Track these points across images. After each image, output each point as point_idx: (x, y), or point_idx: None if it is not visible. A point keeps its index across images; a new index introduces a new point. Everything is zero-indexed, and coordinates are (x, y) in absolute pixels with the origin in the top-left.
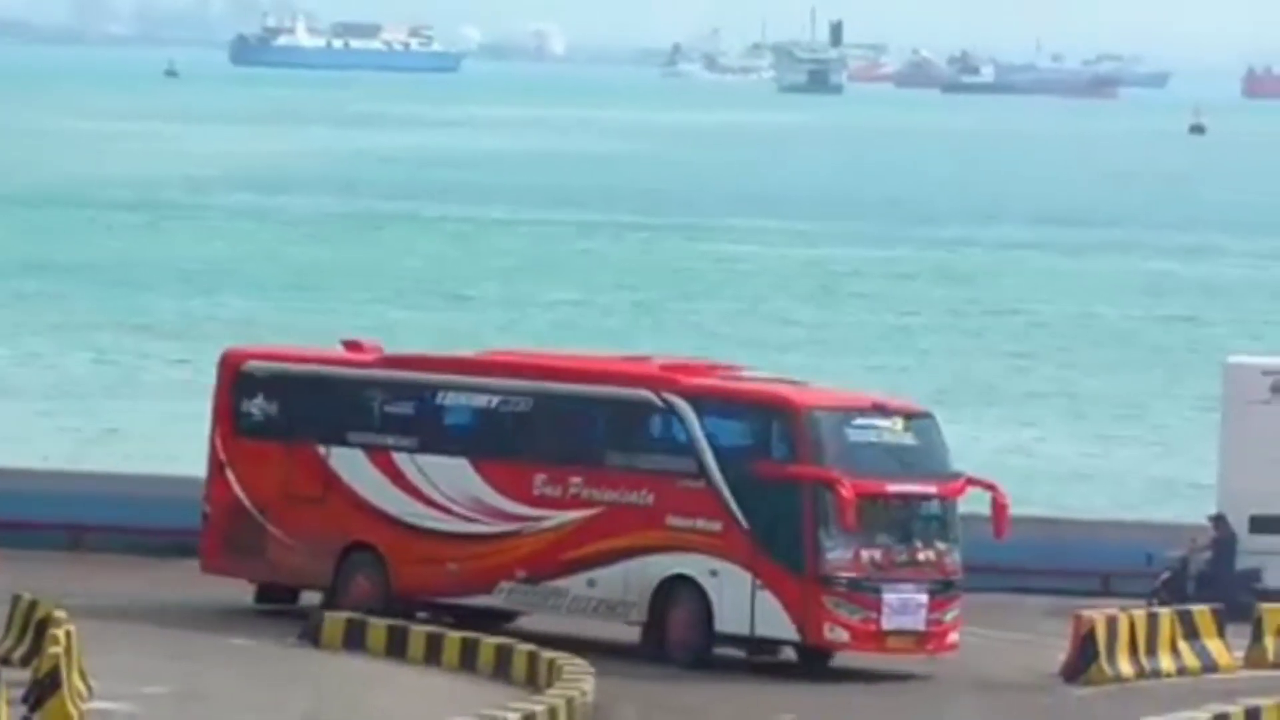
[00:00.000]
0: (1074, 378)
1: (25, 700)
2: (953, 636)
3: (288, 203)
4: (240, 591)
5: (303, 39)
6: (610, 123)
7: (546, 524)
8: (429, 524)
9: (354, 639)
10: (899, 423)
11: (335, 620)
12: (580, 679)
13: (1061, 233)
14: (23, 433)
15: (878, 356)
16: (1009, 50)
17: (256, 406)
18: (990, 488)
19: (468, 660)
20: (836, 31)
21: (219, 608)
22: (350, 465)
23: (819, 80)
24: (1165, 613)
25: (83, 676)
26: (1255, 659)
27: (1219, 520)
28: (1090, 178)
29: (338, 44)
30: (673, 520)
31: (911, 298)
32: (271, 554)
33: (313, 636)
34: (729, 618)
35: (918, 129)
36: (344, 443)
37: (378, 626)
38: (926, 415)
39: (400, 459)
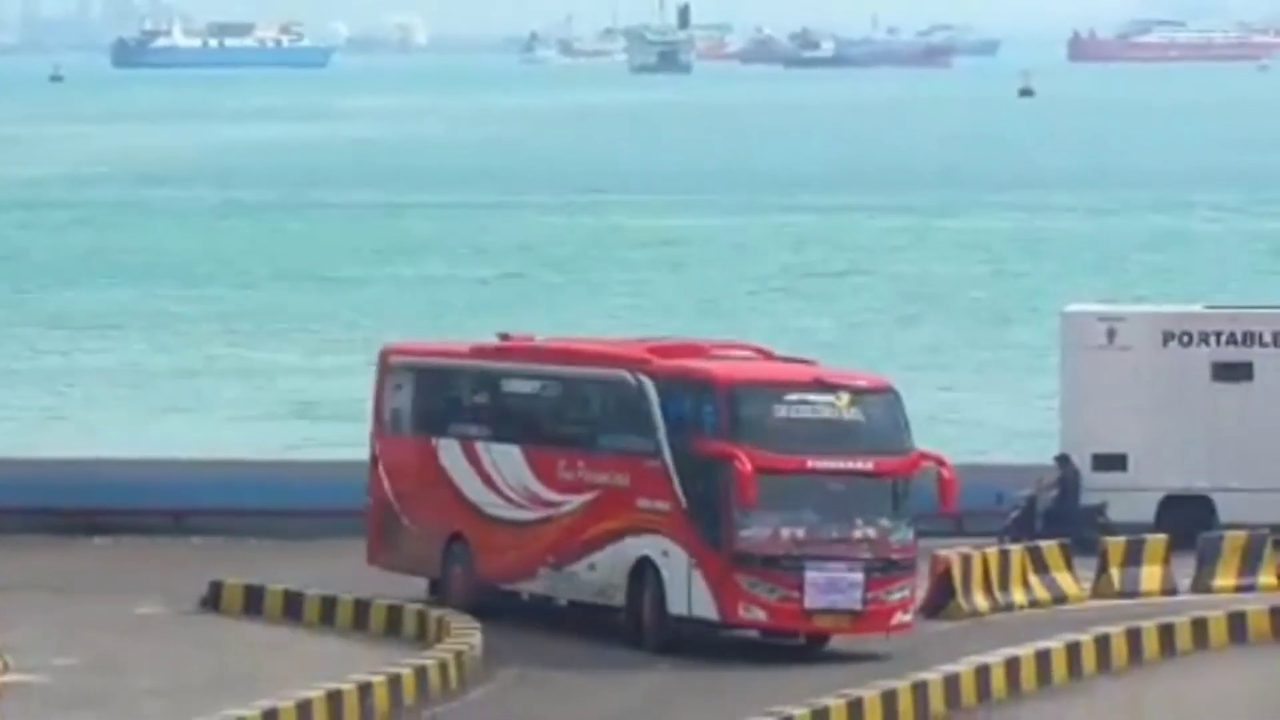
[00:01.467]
0: (910, 335)
1: None
2: (901, 616)
3: (166, 194)
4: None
5: (179, 40)
6: (470, 109)
7: (564, 509)
8: (499, 513)
9: (253, 605)
10: (843, 398)
11: (233, 587)
12: (468, 634)
13: (896, 196)
14: None
15: (725, 320)
16: (847, 25)
17: (396, 401)
18: (939, 462)
19: (360, 621)
20: (684, 14)
21: (125, 580)
22: (450, 456)
23: (669, 60)
24: (1016, 549)
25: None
26: (1101, 589)
27: (1063, 460)
28: (923, 142)
29: (213, 43)
30: (641, 502)
31: (754, 263)
32: (403, 546)
33: (213, 603)
34: (676, 599)
35: (762, 103)
36: (446, 434)
37: (274, 592)
38: (881, 391)
39: (479, 448)
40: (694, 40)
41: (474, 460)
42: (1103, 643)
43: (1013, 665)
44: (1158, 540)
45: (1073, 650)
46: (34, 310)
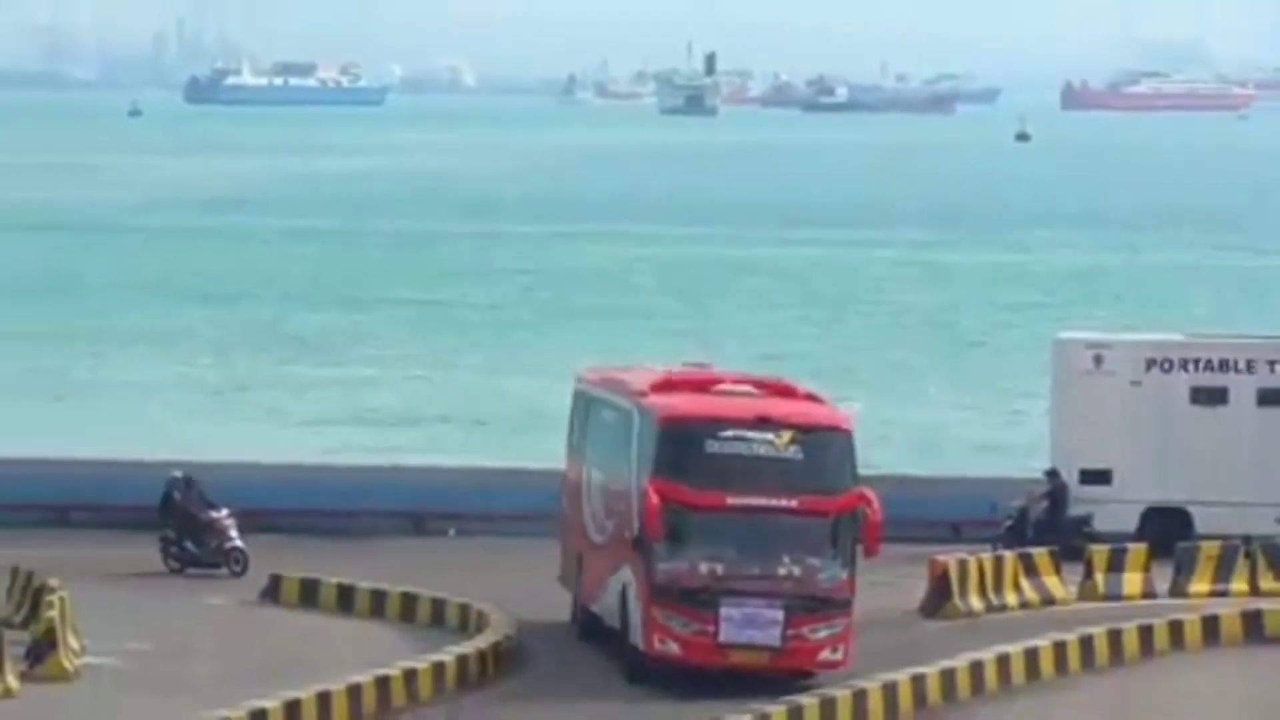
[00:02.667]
0: (904, 356)
1: (27, 657)
2: (828, 654)
3: (235, 220)
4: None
5: (248, 79)
6: (513, 145)
7: (602, 537)
8: (593, 536)
9: (309, 596)
10: (784, 436)
11: (291, 580)
12: (505, 626)
13: (900, 231)
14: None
15: (734, 345)
16: (860, 73)
17: (573, 424)
18: (866, 502)
19: (407, 613)
20: (710, 61)
21: (195, 572)
22: (580, 480)
23: (695, 103)
24: (1009, 555)
25: (76, 636)
26: (1087, 593)
27: (1053, 474)
28: (928, 182)
29: (279, 82)
30: (624, 531)
31: (767, 291)
32: (565, 568)
33: (273, 595)
34: (632, 629)
35: (781, 143)
36: (582, 458)
37: (329, 585)
38: (828, 429)
39: (583, 473)
40: (719, 85)
41: (579, 484)
42: (1087, 642)
43: (1004, 661)
44: (1139, 549)
45: (1059, 648)
46: (110, 327)
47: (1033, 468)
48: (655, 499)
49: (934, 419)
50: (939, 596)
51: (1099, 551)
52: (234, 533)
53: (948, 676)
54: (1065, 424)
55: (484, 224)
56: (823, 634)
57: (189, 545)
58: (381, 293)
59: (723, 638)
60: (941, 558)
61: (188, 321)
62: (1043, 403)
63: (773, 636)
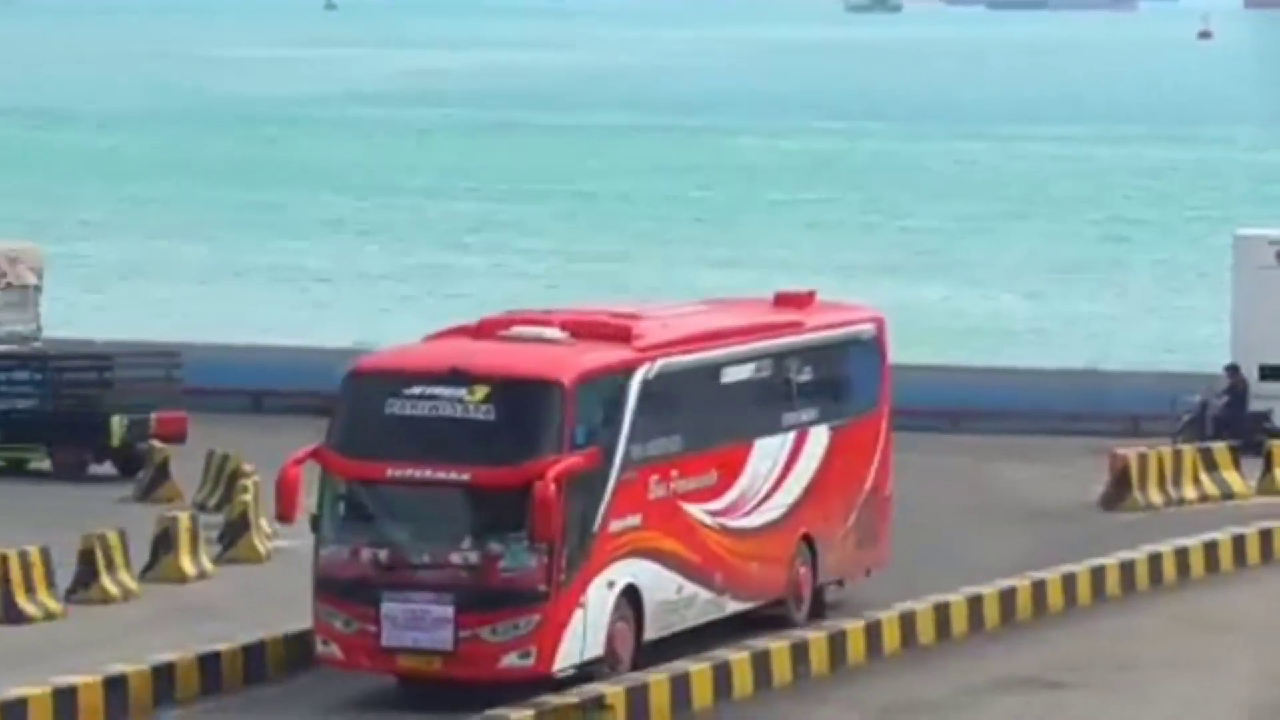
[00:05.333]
0: (1072, 253)
1: (220, 540)
2: (514, 658)
3: (427, 113)
4: None
5: None
6: (702, 40)
7: None
8: None
9: None
10: (478, 392)
11: None
12: None
13: (1074, 127)
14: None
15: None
16: None
17: None
18: (539, 477)
19: None
20: None
21: None
22: None
23: (880, 0)
24: (1188, 449)
25: (268, 519)
26: (1266, 488)
27: (1233, 369)
28: (1110, 79)
29: None
30: None
31: (960, 183)
32: None
33: None
34: None
35: (964, 41)
36: None
37: None
38: (535, 384)
39: None
40: None
41: None
42: (1266, 536)
43: (1182, 555)
44: None
45: (1238, 542)
46: (294, 213)
47: (1213, 363)
48: (292, 472)
49: (1112, 313)
50: (1119, 490)
51: (1278, 446)
52: None
53: (1126, 569)
54: (1245, 319)
55: (664, 118)
56: (505, 635)
57: None
58: (560, 185)
59: (385, 640)
60: (1122, 451)
61: (372, 211)
62: (1224, 299)
63: (442, 639)
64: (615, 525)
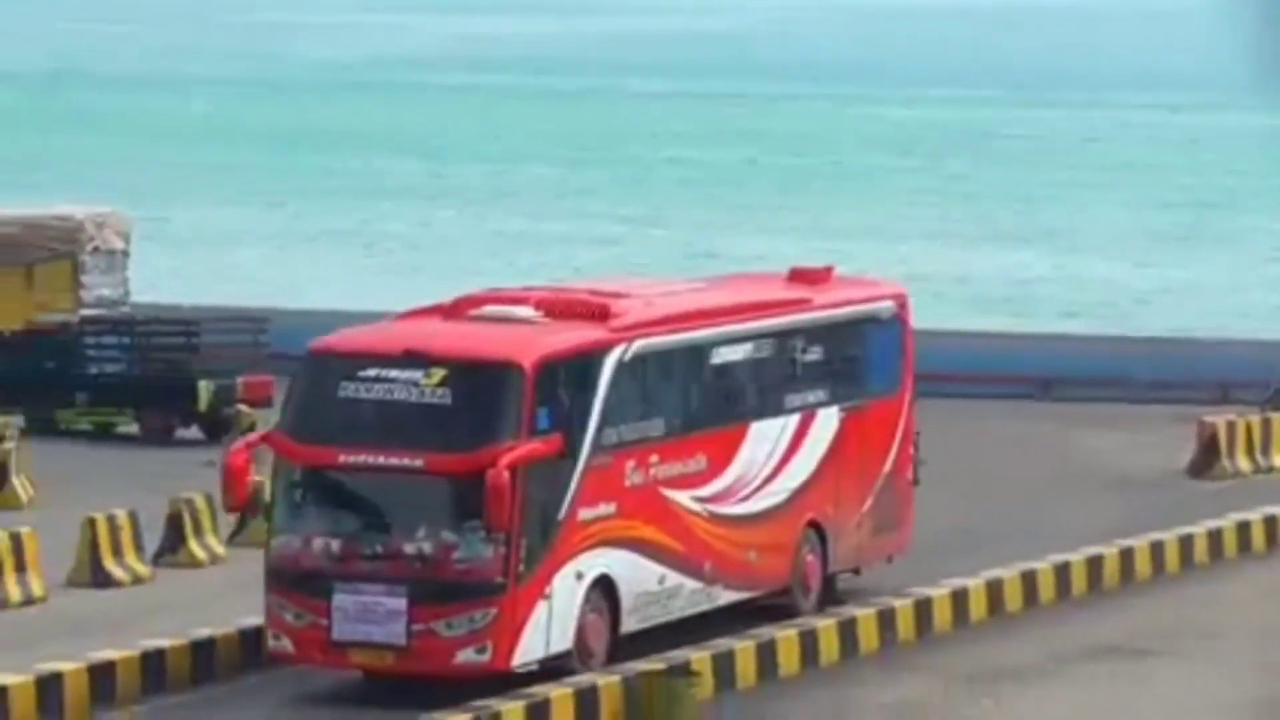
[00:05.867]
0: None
1: None
2: (470, 654)
3: (502, 80)
4: None
5: None
6: (836, 5)
7: None
8: None
9: None
10: (434, 375)
11: None
12: None
13: (1185, 95)
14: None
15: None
16: None
17: None
18: (491, 465)
19: None
20: None
21: None
22: None
23: None
24: (1277, 417)
25: None
26: None
27: None
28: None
29: None
30: None
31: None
32: None
33: None
34: None
35: (1067, 6)
36: None
37: None
38: (493, 367)
39: None
40: None
41: None
42: None
43: (1270, 522)
44: None
45: None
46: (370, 180)
47: None
48: (239, 457)
49: (1211, 280)
50: (1207, 458)
51: None
52: None
53: (1214, 537)
54: None
55: (755, 86)
56: (460, 629)
57: None
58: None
59: (336, 634)
60: (1210, 419)
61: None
62: None
63: (395, 633)
64: (584, 513)
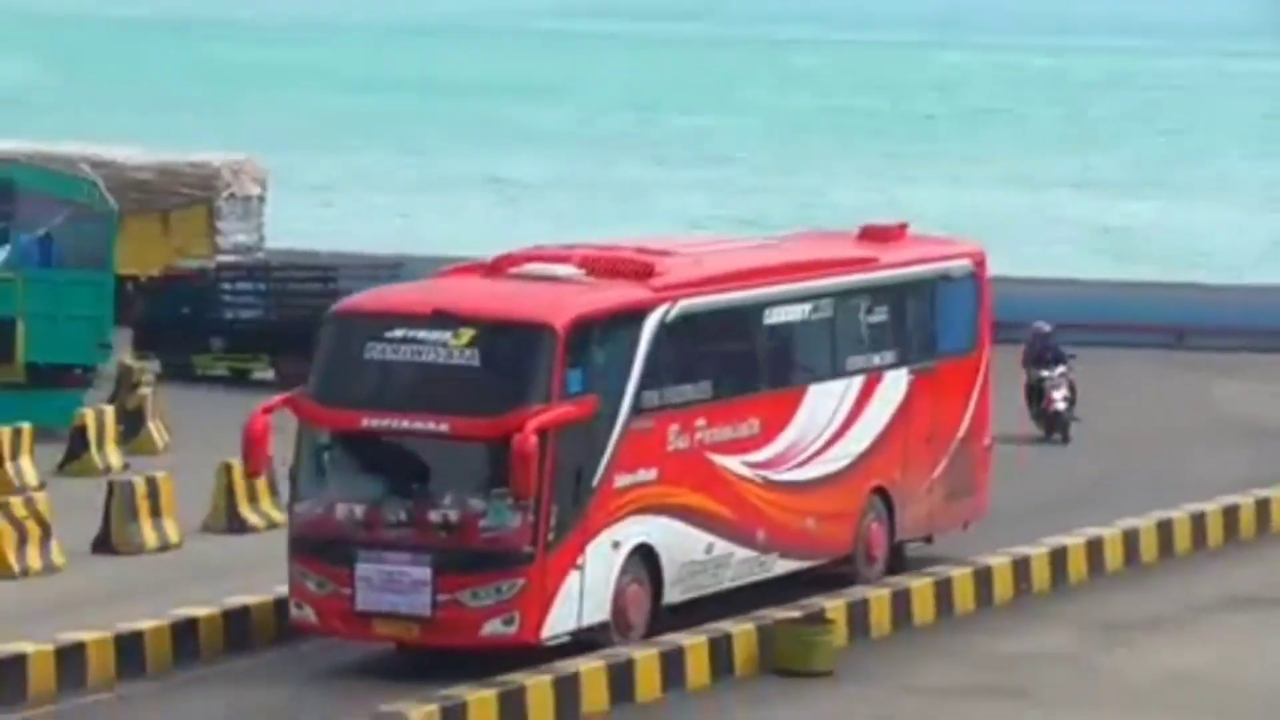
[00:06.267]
0: None
1: None
2: (498, 625)
3: (636, 27)
4: None
5: None
6: None
7: None
8: None
9: None
10: (463, 335)
11: None
12: None
13: None
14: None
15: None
16: None
17: None
18: (519, 429)
19: None
20: None
21: None
22: None
23: None
24: None
25: None
26: None
27: None
28: None
29: None
30: None
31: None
32: None
33: None
34: None
35: None
36: None
37: None
38: (524, 328)
39: None
40: None
41: None
42: None
43: None
44: None
45: None
46: (502, 127)
47: None
48: (259, 422)
49: None
50: None
51: None
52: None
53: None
54: None
55: (874, 34)
56: (487, 599)
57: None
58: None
59: (360, 604)
60: None
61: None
62: None
63: (421, 604)
64: (621, 480)
